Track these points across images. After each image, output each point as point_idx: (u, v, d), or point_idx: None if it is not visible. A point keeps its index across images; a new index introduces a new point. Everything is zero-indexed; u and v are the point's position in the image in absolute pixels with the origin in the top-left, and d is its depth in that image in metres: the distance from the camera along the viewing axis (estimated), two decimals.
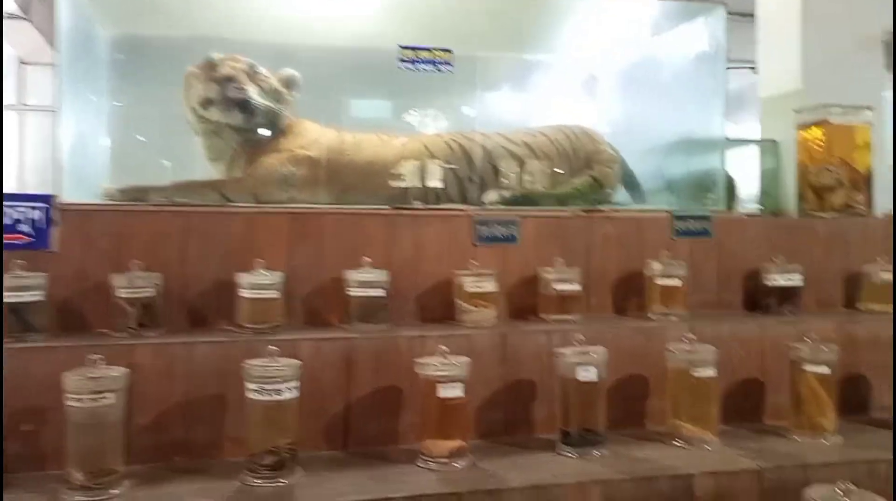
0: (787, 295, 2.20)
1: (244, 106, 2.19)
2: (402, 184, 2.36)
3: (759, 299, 2.25)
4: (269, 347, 1.58)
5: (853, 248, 2.38)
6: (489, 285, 1.97)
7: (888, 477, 1.67)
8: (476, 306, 1.96)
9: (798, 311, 2.19)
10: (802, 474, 1.62)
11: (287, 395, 1.53)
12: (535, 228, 2.13)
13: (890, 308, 2.23)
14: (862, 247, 2.38)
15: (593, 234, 2.18)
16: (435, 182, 2.38)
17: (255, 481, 1.52)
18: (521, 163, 2.47)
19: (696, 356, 1.78)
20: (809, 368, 1.83)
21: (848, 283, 2.36)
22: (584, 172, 2.51)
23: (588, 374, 1.69)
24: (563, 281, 2.02)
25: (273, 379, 1.52)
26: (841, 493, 1.40)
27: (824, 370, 1.82)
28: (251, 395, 1.53)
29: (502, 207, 2.34)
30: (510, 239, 2.10)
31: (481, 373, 1.81)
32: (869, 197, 2.49)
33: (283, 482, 1.52)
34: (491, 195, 2.39)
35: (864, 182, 2.50)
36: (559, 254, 2.09)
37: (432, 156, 2.42)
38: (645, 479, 1.56)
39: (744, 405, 2.01)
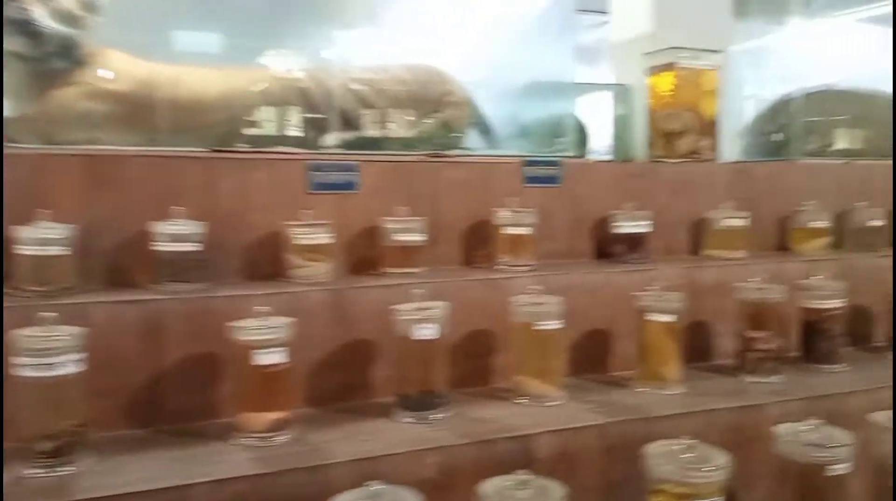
0: (635, 242, 2.15)
1: (27, 29, 1.84)
2: (259, 131, 2.09)
3: (608, 247, 2.19)
4: (43, 313, 1.31)
5: (699, 194, 2.37)
6: (323, 237, 1.78)
7: (729, 425, 1.65)
8: (308, 261, 1.76)
9: (646, 258, 2.15)
10: (644, 428, 1.57)
11: (66, 369, 1.29)
12: (376, 174, 1.95)
13: (732, 253, 2.24)
14: (708, 193, 2.37)
15: (440, 180, 2.03)
16: (293, 129, 2.14)
17: (31, 472, 1.27)
18: (364, 104, 2.26)
19: (540, 308, 1.67)
20: (654, 316, 1.78)
21: (694, 229, 2.35)
22: (432, 114, 2.34)
23: (426, 332, 1.54)
24: (406, 232, 1.86)
25: (48, 352, 1.27)
26: (680, 448, 1.35)
27: (669, 318, 1.77)
28: (22, 371, 1.27)
29: (341, 151, 2.14)
30: (348, 186, 1.91)
31: (313, 335, 1.63)
32: (715, 143, 2.48)
33: (65, 471, 1.28)
34: (329, 138, 2.17)
35: (710, 128, 2.49)
36: (403, 202, 1.92)
37: (266, 94, 2.17)
38: (484, 442, 1.45)
39: (592, 357, 1.95)
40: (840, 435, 1.45)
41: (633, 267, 2.07)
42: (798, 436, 1.46)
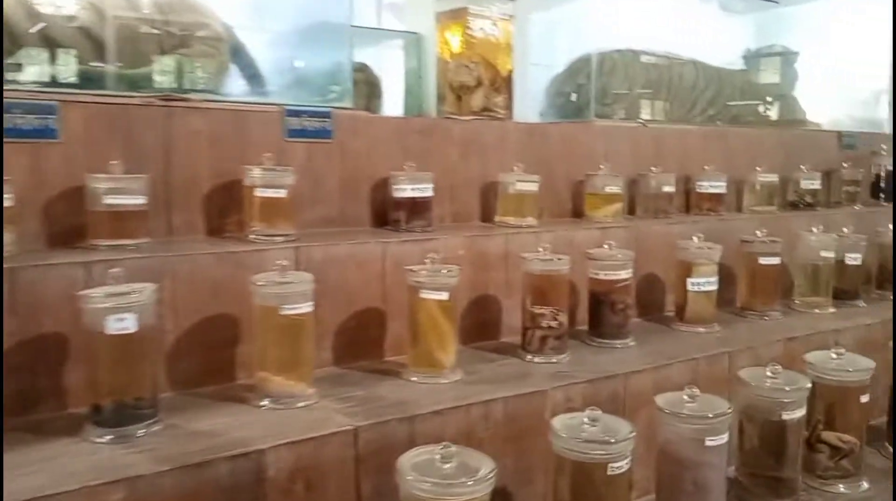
0: (417, 208, 1.89)
1: None
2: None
3: (388, 213, 1.92)
4: None
5: (491, 155, 2.15)
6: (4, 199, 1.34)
7: (506, 416, 1.44)
8: None
9: (429, 226, 1.90)
10: (408, 429, 1.31)
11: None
12: (85, 119, 1.53)
13: (524, 220, 2.05)
14: (500, 154, 2.16)
15: (175, 130, 1.64)
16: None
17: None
18: (85, 32, 1.80)
19: (287, 288, 1.36)
20: (427, 294, 1.53)
21: (486, 194, 2.14)
22: (177, 49, 1.92)
23: (122, 324, 1.18)
24: (120, 192, 1.47)
25: None
26: (439, 458, 1.10)
27: (442, 295, 1.53)
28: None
29: (38, 88, 1.67)
30: (44, 133, 1.47)
31: None
32: (509, 100, 2.28)
33: None
34: (29, 71, 1.70)
35: (504, 84, 2.28)
36: (119, 156, 1.52)
37: None
38: (195, 466, 1.12)
39: (362, 342, 1.67)
40: (621, 427, 1.28)
41: (412, 236, 1.81)
42: (575, 431, 1.26)
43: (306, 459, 1.21)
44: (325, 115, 1.83)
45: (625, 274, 1.84)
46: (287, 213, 1.66)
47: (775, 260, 2.18)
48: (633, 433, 1.26)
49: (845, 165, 3.07)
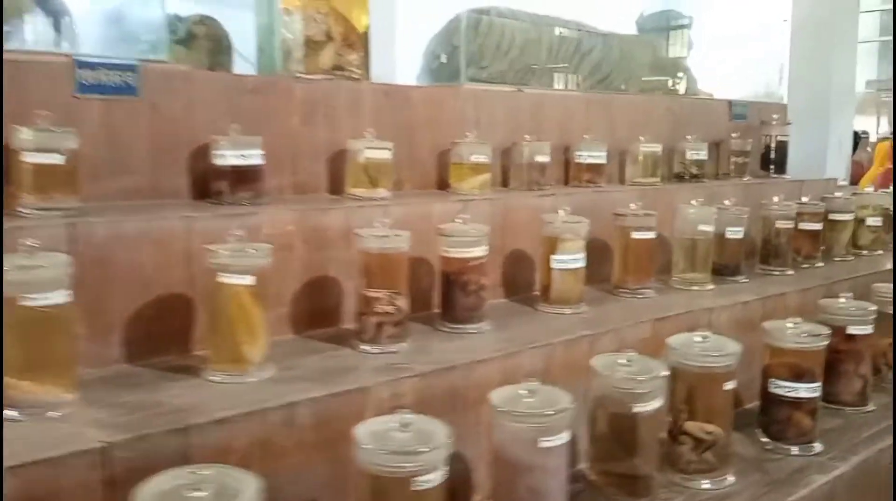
0: (243, 178, 1.65)
1: None
2: None
3: (209, 183, 1.67)
4: None
5: (342, 119, 1.92)
6: None
7: (317, 420, 1.23)
8: None
9: (258, 198, 1.66)
10: (182, 443, 1.09)
11: None
12: None
13: (375, 192, 1.84)
14: (353, 119, 1.94)
15: None
16: None
17: None
18: None
19: (29, 274, 1.11)
20: (229, 278, 1.30)
21: (334, 162, 1.91)
22: None
23: None
24: None
25: None
26: (186, 484, 0.89)
27: (246, 280, 1.30)
28: None
29: None
30: None
31: None
32: (365, 59, 2.05)
33: None
34: None
35: (360, 41, 2.05)
36: None
37: None
38: None
39: (162, 333, 1.43)
40: (436, 432, 1.09)
41: (235, 210, 1.57)
42: (379, 439, 1.07)
43: (39, 486, 0.97)
44: (129, 68, 1.56)
45: (478, 252, 1.65)
46: (68, 183, 1.39)
47: (649, 234, 2.04)
48: (450, 439, 1.08)
49: (734, 135, 2.98)
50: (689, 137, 2.74)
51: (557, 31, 2.62)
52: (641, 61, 2.92)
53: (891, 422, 1.91)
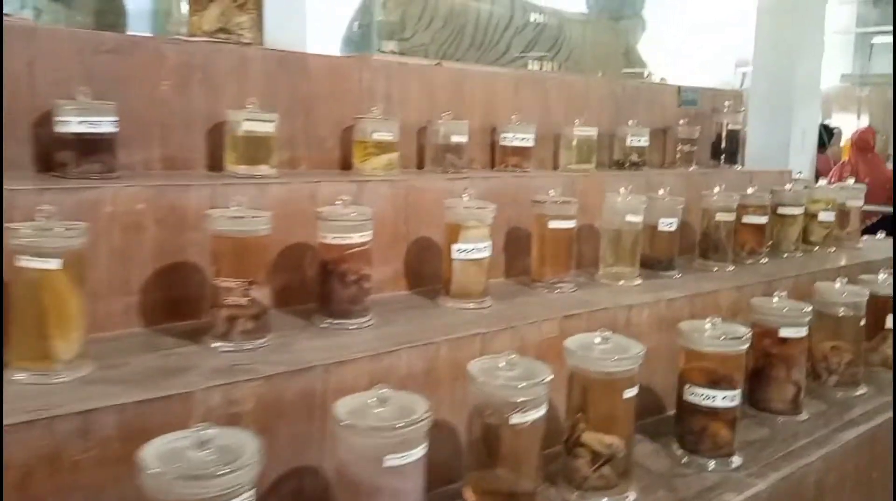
0: (91, 148, 1.46)
1: None
2: None
3: (54, 153, 1.48)
4: None
5: (226, 88, 1.74)
6: None
7: (123, 433, 1.05)
8: None
9: (110, 171, 1.47)
10: None
11: None
12: None
13: (255, 170, 1.66)
14: (239, 87, 1.75)
15: None
16: None
17: None
18: None
19: None
20: (28, 261, 1.11)
21: (214, 135, 1.72)
22: None
23: None
24: None
25: None
26: None
27: (51, 264, 1.11)
28: None
29: None
30: None
31: None
32: (258, 21, 1.86)
33: None
34: None
35: (252, 2, 1.85)
36: None
37: None
38: None
39: None
40: (245, 449, 0.92)
41: (77, 184, 1.38)
42: (170, 460, 0.89)
43: None
44: None
45: (359, 237, 1.48)
46: None
47: (567, 224, 1.87)
48: (258, 456, 0.91)
49: (681, 122, 2.82)
50: (630, 122, 2.58)
51: (488, 2, 2.44)
52: (593, 43, 2.75)
53: (824, 432, 1.77)
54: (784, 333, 1.79)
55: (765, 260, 2.48)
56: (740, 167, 2.93)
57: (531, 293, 1.86)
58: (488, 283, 1.72)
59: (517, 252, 1.99)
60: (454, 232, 1.68)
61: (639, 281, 2.03)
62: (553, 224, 1.86)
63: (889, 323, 2.18)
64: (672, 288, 1.99)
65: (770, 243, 2.62)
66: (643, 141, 2.58)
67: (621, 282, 2.02)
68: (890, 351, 2.19)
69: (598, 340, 1.40)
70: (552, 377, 1.24)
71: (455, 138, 2.03)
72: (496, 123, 2.25)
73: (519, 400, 1.20)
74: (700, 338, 1.54)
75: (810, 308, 1.82)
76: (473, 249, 1.67)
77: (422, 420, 1.06)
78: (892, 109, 8.02)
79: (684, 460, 1.56)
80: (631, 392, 1.37)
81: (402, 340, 1.40)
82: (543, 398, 1.24)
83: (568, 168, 2.39)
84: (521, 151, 2.24)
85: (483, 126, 2.24)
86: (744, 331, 1.56)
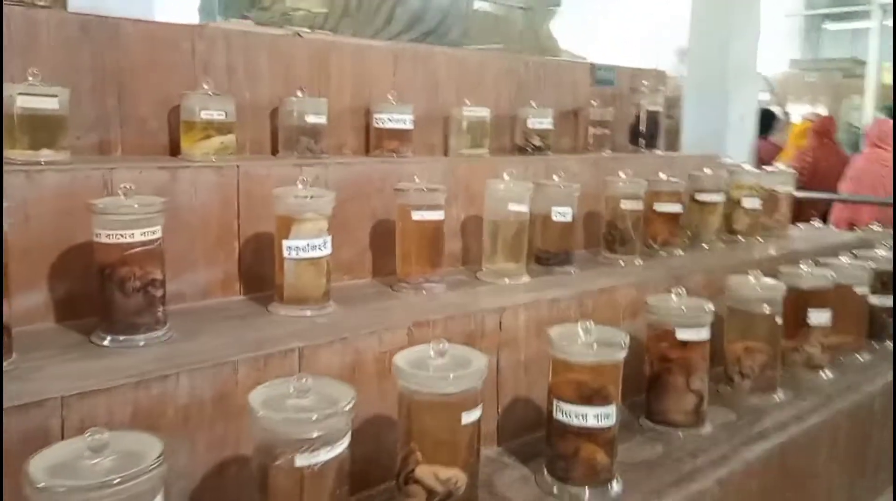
0: None
1: None
2: None
3: None
4: None
5: (13, 59, 1.46)
6: None
7: None
8: None
9: None
10: None
11: None
12: None
13: (36, 155, 1.38)
14: (28, 58, 1.47)
15: None
16: None
17: None
18: None
19: None
20: None
21: None
22: None
23: None
24: None
25: None
26: None
27: None
28: None
29: None
30: None
31: None
32: None
33: None
34: None
35: None
36: None
37: None
38: None
39: None
40: None
41: None
42: None
43: None
44: None
45: (142, 235, 1.21)
46: None
47: (434, 215, 1.63)
48: None
49: (594, 103, 2.60)
50: (532, 103, 2.35)
51: None
52: (484, 20, 2.51)
53: (727, 449, 1.55)
54: (682, 335, 1.58)
55: (680, 253, 2.27)
56: (661, 152, 2.73)
57: (392, 296, 1.62)
58: (330, 286, 1.47)
59: (385, 249, 1.75)
60: (285, 226, 1.42)
61: (526, 279, 1.80)
62: (417, 215, 1.62)
63: (813, 319, 1.99)
64: (561, 286, 1.76)
65: (689, 233, 2.42)
66: (546, 123, 2.35)
67: (505, 280, 1.79)
68: (813, 350, 2.00)
69: (432, 353, 1.16)
70: (352, 402, 0.99)
71: (311, 119, 1.77)
72: (370, 102, 2.00)
73: (305, 437, 0.96)
74: (569, 346, 1.31)
75: (711, 306, 1.60)
76: (308, 246, 1.41)
77: (151, 471, 0.81)
78: (840, 96, 7.97)
79: (554, 489, 1.33)
80: (471, 416, 1.14)
81: (190, 360, 1.14)
82: (342, 431, 0.99)
83: (460, 153, 2.15)
84: (399, 135, 1.99)
85: (354, 106, 1.99)
86: (620, 337, 1.33)
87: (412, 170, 1.79)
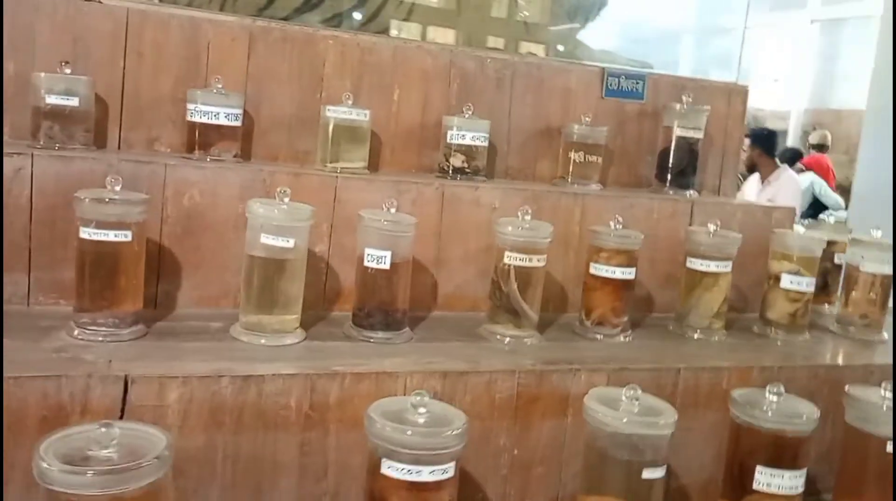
0: None
1: None
2: None
3: None
4: None
5: None
6: None
7: None
8: None
9: None
10: None
11: None
12: None
13: None
14: None
15: None
16: None
17: None
18: None
19: None
20: None
21: None
22: None
23: None
24: None
25: None
26: None
27: None
28: None
29: None
30: None
31: None
32: None
33: None
34: None
35: None
36: None
37: None
38: None
39: None
40: None
41: None
42: None
43: None
44: None
45: None
46: None
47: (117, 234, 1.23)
48: None
49: (586, 118, 1.98)
50: (465, 108, 1.82)
51: None
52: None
53: None
54: None
55: (626, 339, 1.62)
56: (694, 194, 2.02)
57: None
58: None
59: None
60: None
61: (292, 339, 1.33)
62: (88, 234, 1.22)
63: None
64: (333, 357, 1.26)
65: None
66: (477, 139, 1.81)
67: (262, 341, 1.33)
68: None
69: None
70: None
71: (54, 100, 1.45)
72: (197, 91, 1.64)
73: None
74: None
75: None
76: None
77: None
78: None
79: None
80: None
81: None
82: None
83: (328, 166, 1.71)
84: (225, 132, 1.61)
85: (176, 96, 1.64)
86: None
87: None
